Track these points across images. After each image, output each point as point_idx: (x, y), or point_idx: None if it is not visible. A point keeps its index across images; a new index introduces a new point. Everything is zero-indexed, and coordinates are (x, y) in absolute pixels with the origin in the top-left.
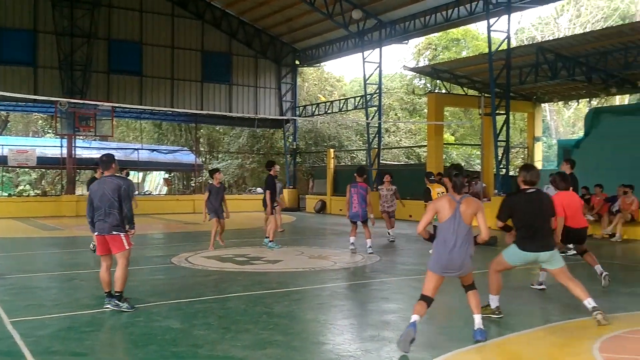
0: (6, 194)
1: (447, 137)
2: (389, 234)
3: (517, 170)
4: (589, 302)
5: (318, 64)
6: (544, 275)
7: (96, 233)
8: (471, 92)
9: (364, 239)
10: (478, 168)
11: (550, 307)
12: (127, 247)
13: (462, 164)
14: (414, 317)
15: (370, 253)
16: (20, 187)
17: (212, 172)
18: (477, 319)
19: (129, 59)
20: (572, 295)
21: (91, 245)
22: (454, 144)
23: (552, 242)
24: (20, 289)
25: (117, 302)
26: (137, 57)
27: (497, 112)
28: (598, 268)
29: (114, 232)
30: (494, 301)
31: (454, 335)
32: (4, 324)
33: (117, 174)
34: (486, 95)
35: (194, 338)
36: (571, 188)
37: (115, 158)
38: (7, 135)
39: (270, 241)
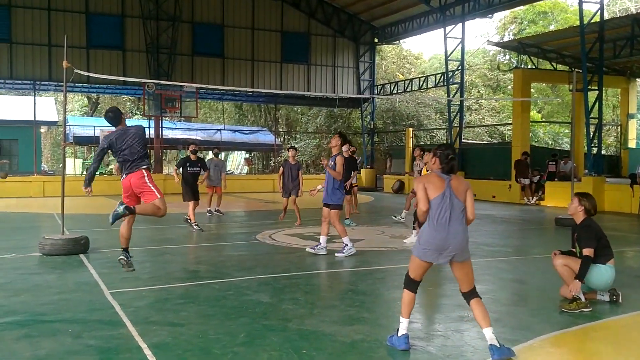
0: (98, 173)
1: (534, 114)
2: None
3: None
4: None
5: (397, 42)
6: None
7: None
8: (560, 67)
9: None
10: (566, 147)
11: None
12: None
13: (550, 143)
14: (404, 325)
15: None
16: (111, 166)
17: (288, 149)
18: (488, 333)
19: (212, 41)
20: None
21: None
22: (541, 122)
23: None
24: (116, 262)
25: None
26: (219, 39)
27: (588, 87)
28: None
29: None
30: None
31: (547, 318)
32: (105, 295)
33: None
34: (577, 70)
35: (283, 312)
36: None
37: (199, 139)
38: (97, 117)
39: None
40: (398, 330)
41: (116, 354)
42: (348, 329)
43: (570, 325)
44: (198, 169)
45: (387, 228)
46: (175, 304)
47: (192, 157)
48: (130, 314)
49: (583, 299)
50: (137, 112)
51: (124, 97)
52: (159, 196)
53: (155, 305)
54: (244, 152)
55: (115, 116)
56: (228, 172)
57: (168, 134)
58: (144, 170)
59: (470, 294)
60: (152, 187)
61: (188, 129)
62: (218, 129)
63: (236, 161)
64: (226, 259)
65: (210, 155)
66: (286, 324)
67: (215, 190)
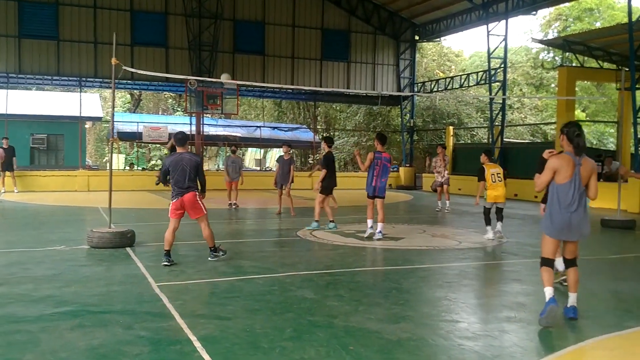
0: (140, 168)
1: (578, 113)
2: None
3: None
4: None
5: (438, 39)
6: None
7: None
8: (606, 65)
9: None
10: (611, 147)
11: None
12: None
13: (594, 143)
14: (549, 291)
15: (379, 238)
16: (153, 162)
17: (282, 145)
18: (572, 297)
19: (253, 38)
20: None
21: None
22: (586, 121)
23: None
24: (161, 256)
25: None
26: (260, 37)
27: (637, 86)
28: None
29: None
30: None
31: (597, 320)
32: (152, 287)
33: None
34: (624, 68)
35: (328, 308)
36: None
37: (239, 135)
38: (139, 113)
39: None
40: (545, 300)
41: (167, 345)
42: (394, 326)
43: (621, 328)
44: None
45: (428, 227)
46: (221, 298)
47: None
48: (178, 306)
49: (560, 270)
50: (178, 109)
51: (165, 94)
52: (204, 212)
53: (202, 298)
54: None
55: (183, 138)
56: (267, 169)
57: (209, 130)
58: (196, 192)
59: (571, 262)
60: (200, 205)
61: (228, 126)
62: (258, 126)
63: (275, 158)
64: (269, 255)
65: (249, 152)
66: (332, 321)
67: (233, 186)
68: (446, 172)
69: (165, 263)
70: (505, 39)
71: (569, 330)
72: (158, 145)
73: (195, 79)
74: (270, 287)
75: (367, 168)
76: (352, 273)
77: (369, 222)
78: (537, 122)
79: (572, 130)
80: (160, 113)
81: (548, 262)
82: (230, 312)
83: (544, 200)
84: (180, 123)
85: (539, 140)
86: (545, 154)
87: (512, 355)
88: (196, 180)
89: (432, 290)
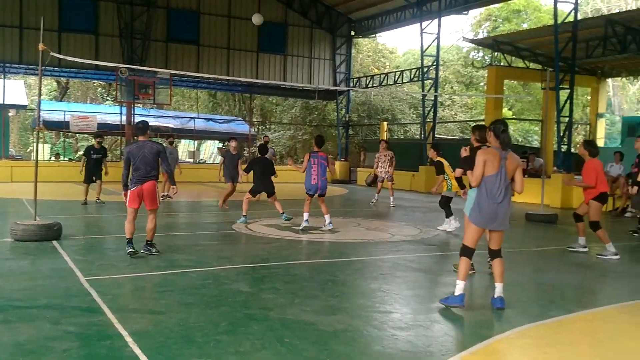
0: (67, 159)
1: (505, 112)
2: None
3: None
4: None
5: (373, 35)
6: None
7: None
8: (533, 65)
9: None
10: (536, 144)
11: (620, 287)
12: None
13: (520, 140)
14: (461, 286)
15: (330, 229)
16: (80, 153)
17: (230, 139)
18: (499, 287)
19: (187, 27)
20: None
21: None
22: (512, 119)
23: None
24: (90, 249)
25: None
26: (194, 26)
27: (560, 86)
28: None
29: None
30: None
31: (523, 310)
32: (81, 282)
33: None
34: (549, 69)
35: (263, 301)
36: None
37: (172, 127)
38: (67, 102)
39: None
40: (454, 292)
41: (97, 341)
42: (330, 318)
43: (545, 317)
44: (100, 155)
45: (362, 220)
46: (153, 292)
47: (96, 145)
48: (108, 301)
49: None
50: (108, 98)
51: (94, 83)
52: (158, 205)
53: (134, 293)
54: (217, 142)
55: (143, 127)
56: (200, 161)
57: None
58: (155, 182)
59: (496, 253)
60: (157, 197)
61: (161, 116)
62: (192, 117)
63: (209, 150)
64: (203, 248)
65: (182, 144)
66: (267, 313)
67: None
68: (390, 168)
69: (131, 250)
70: (437, 37)
71: (496, 320)
72: (86, 136)
73: (127, 67)
74: (205, 280)
75: (305, 169)
76: (288, 266)
77: (305, 215)
78: (467, 119)
79: (498, 127)
80: (88, 102)
81: (468, 252)
82: (163, 306)
83: (462, 186)
84: (110, 112)
85: (469, 137)
86: (462, 152)
87: (443, 344)
88: (157, 169)
89: (366, 282)
